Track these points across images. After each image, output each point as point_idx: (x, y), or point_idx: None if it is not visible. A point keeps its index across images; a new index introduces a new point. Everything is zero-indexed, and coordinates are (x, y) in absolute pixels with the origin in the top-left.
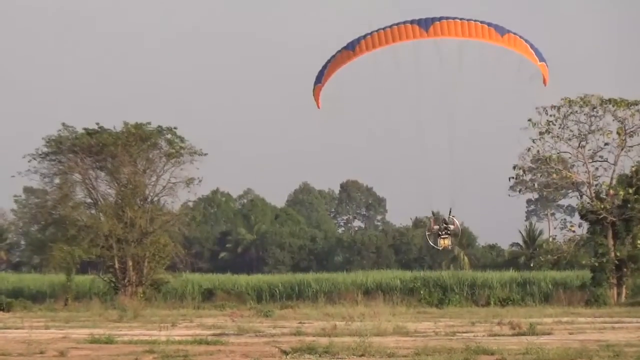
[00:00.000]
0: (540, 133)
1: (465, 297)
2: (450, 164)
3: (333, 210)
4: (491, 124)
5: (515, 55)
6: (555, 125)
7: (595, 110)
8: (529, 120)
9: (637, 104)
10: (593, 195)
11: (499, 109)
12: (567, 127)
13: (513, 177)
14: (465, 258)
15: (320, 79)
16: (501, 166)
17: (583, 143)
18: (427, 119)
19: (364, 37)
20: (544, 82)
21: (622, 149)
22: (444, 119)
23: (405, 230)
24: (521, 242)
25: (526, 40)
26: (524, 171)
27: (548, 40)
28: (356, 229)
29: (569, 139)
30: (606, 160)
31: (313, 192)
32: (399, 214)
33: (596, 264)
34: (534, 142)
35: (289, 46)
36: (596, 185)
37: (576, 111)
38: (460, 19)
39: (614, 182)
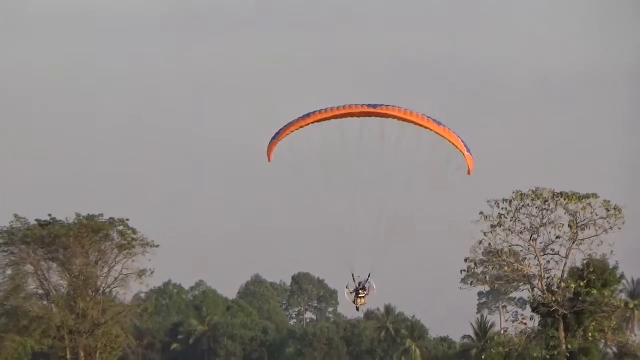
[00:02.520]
0: (492, 226)
1: None
2: (375, 237)
3: (285, 302)
4: (442, 217)
5: (447, 145)
6: (507, 218)
7: (547, 203)
8: (481, 213)
9: (588, 198)
10: (545, 288)
11: (449, 202)
12: (519, 220)
13: (465, 270)
14: (417, 350)
15: (275, 137)
16: (453, 259)
17: (535, 236)
18: (365, 196)
19: (319, 110)
20: (469, 172)
21: (573, 242)
22: (381, 198)
23: (357, 322)
24: (473, 335)
25: (457, 135)
26: (475, 264)
27: (501, 134)
28: (308, 321)
29: (521, 232)
30: (557, 254)
31: (265, 283)
32: (351, 307)
33: (548, 357)
34: (485, 235)
35: (232, 142)
36: (548, 278)
37: (528, 204)
38: (405, 109)
39: (566, 275)
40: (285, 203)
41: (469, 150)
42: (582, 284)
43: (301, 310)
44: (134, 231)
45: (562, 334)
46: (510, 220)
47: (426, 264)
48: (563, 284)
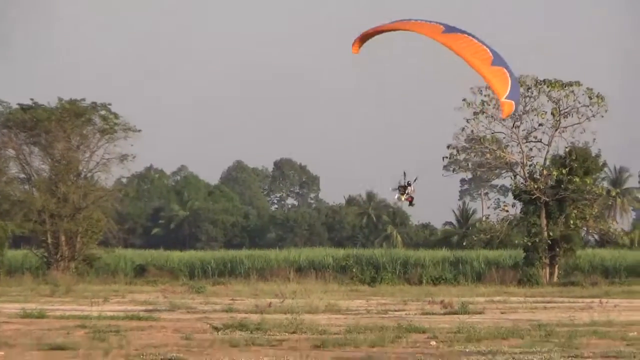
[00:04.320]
0: (475, 113)
1: (397, 276)
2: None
3: (266, 188)
4: (425, 104)
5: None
6: (489, 105)
7: (530, 90)
8: (464, 100)
9: (571, 85)
10: (527, 175)
11: (433, 89)
12: None
13: (447, 157)
14: (398, 237)
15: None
16: (435, 145)
17: (517, 123)
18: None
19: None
20: (502, 114)
21: (556, 130)
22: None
23: (339, 208)
24: (454, 222)
25: (511, 74)
26: (457, 151)
27: (491, 22)
28: (289, 206)
29: (503, 119)
30: (540, 141)
31: (247, 169)
32: (333, 192)
33: (529, 244)
34: (468, 122)
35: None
36: (530, 165)
37: None
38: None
39: (548, 162)
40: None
41: (511, 98)
42: (564, 171)
43: (283, 196)
44: (116, 116)
45: (544, 221)
46: (493, 108)
47: (409, 151)
48: (545, 171)
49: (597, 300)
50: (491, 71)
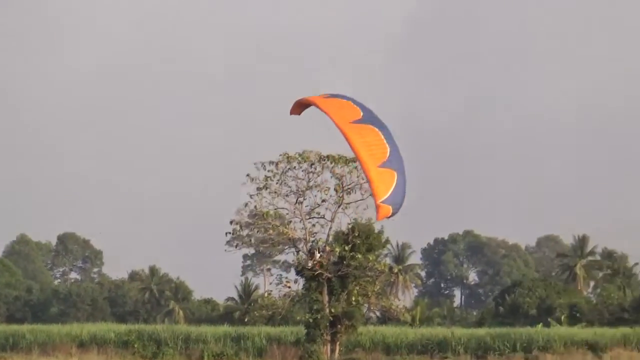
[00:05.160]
0: (258, 188)
1: (179, 351)
2: None
3: (50, 262)
4: (210, 179)
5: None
6: (273, 181)
7: (313, 166)
8: (247, 175)
9: (355, 161)
10: (308, 251)
11: (218, 165)
12: (285, 183)
13: (230, 232)
14: (180, 312)
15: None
16: (218, 221)
17: (301, 199)
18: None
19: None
20: (377, 216)
21: (339, 206)
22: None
23: (121, 283)
24: (236, 297)
25: (399, 177)
26: (241, 226)
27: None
28: (72, 280)
29: (287, 195)
30: (323, 217)
31: (30, 243)
32: (116, 267)
33: (311, 320)
34: (251, 197)
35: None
36: (313, 241)
37: (294, 167)
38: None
39: (331, 238)
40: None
41: (389, 203)
42: (346, 247)
43: (66, 270)
44: None
45: (326, 298)
46: (277, 183)
47: (192, 225)
48: (328, 248)
49: None
50: (378, 172)
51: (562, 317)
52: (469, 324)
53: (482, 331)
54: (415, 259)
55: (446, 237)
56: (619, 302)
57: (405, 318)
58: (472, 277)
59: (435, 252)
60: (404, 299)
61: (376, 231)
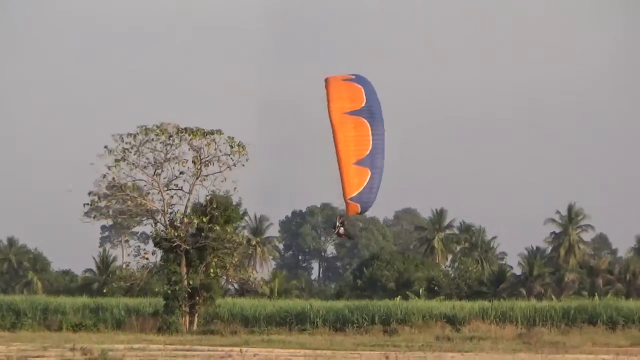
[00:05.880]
0: (116, 160)
1: (38, 322)
2: None
3: None
4: (63, 151)
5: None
6: (131, 152)
7: (171, 138)
8: (105, 147)
9: (212, 134)
10: (167, 223)
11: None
12: (143, 154)
13: (88, 204)
14: (39, 283)
15: None
16: (77, 191)
17: (159, 171)
18: None
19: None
20: (347, 213)
21: (197, 178)
22: None
23: None
24: (95, 268)
25: (373, 177)
26: (99, 197)
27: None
28: None
29: (145, 167)
30: (181, 189)
31: None
32: None
33: (169, 292)
34: (109, 169)
35: None
36: (171, 213)
37: (152, 139)
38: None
39: (189, 210)
40: None
41: (357, 201)
42: (204, 219)
43: None
44: None
45: (184, 270)
46: (135, 155)
47: (50, 195)
48: (186, 219)
49: (237, 348)
50: (352, 169)
51: (421, 290)
52: (328, 296)
53: (340, 304)
54: (273, 231)
55: (304, 210)
56: (477, 275)
57: (263, 290)
58: (330, 249)
59: (294, 225)
60: (262, 271)
61: (234, 203)
